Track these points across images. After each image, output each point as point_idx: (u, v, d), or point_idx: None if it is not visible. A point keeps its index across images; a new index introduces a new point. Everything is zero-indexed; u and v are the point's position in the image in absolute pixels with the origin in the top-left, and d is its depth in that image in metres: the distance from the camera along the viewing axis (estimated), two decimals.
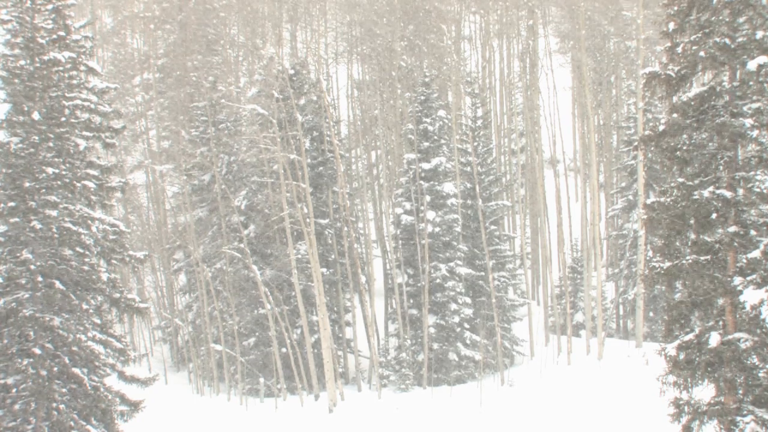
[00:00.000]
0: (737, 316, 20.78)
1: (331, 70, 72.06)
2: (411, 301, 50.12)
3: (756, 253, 20.13)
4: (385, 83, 61.13)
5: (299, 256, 48.89)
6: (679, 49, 21.38)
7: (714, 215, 20.97)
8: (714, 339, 20.82)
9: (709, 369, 21.03)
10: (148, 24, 72.27)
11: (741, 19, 21.02)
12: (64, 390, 29.39)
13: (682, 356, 21.31)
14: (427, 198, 49.78)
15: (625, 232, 54.81)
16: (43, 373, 28.60)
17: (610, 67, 67.36)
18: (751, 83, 20.70)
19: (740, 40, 20.80)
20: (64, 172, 29.52)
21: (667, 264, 21.40)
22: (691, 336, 21.39)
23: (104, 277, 30.82)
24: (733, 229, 20.90)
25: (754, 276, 20.04)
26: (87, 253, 30.16)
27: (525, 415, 37.62)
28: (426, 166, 50.05)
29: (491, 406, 40.25)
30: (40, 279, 28.75)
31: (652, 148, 21.85)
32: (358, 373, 50.78)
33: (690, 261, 21.13)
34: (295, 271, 46.28)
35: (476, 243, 51.95)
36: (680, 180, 21.37)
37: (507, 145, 71.63)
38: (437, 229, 49.45)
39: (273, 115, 46.71)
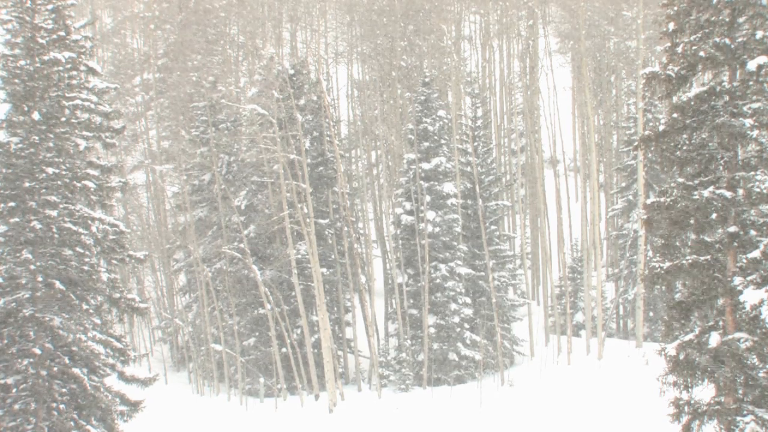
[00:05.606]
0: (737, 316, 20.78)
1: (331, 70, 72.02)
2: (411, 301, 50.11)
3: (756, 253, 20.14)
4: (385, 83, 61.11)
5: (299, 256, 48.90)
6: (679, 49, 21.37)
7: (714, 215, 20.96)
8: (714, 339, 20.82)
9: (709, 369, 21.03)
10: (148, 24, 72.25)
11: (741, 19, 21.01)
12: (64, 390, 29.36)
13: (682, 356, 21.30)
14: (427, 198, 49.77)
15: (625, 232, 54.78)
16: (43, 373, 28.58)
17: (610, 67, 67.32)
18: (751, 83, 20.71)
19: (740, 40, 20.80)
20: (64, 172, 29.49)
21: (667, 264, 21.39)
22: (691, 336, 21.39)
23: (104, 277, 30.80)
24: (733, 229, 20.89)
25: (754, 276, 20.06)
26: (87, 253, 30.12)
27: (525, 415, 37.63)
28: (426, 166, 50.04)
29: (491, 406, 40.24)
30: (40, 279, 28.73)
31: (652, 148, 21.83)
32: (358, 373, 50.77)
33: (690, 261, 21.13)
34: (295, 271, 46.28)
35: (476, 243, 51.93)
36: (680, 180, 21.37)
37: (507, 145, 71.62)
38: (437, 229, 49.43)
39: (273, 115, 46.70)
